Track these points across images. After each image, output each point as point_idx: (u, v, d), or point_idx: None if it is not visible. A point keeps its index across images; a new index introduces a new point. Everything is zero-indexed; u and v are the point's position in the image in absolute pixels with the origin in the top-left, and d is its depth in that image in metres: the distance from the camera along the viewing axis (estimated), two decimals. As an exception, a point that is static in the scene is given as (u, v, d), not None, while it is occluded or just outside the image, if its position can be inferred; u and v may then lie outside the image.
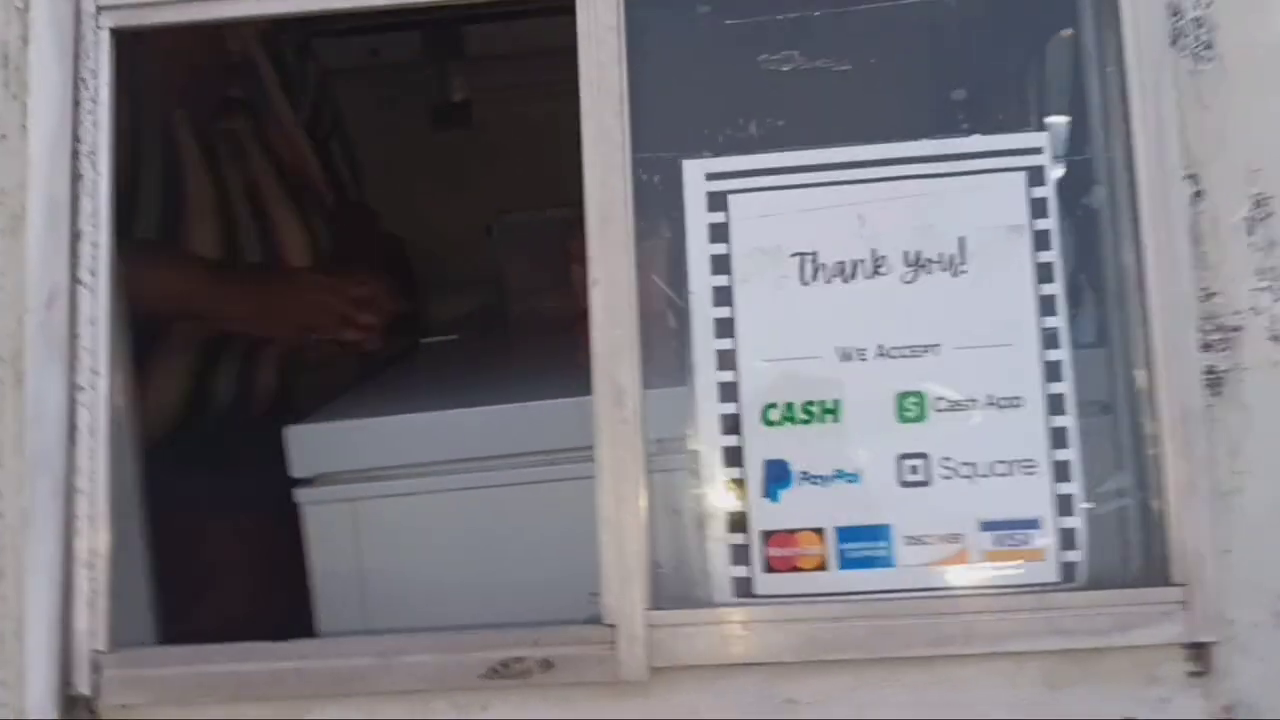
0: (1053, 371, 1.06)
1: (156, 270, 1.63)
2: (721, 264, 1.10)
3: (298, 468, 1.42)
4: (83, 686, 1.09)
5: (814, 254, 1.09)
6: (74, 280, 1.12)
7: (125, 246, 1.18)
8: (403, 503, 1.42)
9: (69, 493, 1.10)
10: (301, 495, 1.41)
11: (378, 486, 1.41)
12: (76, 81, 1.14)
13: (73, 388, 1.11)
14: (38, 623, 1.09)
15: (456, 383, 1.81)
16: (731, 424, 1.08)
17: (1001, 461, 1.06)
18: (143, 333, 1.30)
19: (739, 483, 1.08)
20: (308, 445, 1.43)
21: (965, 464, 1.06)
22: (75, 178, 1.13)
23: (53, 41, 1.14)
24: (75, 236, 1.12)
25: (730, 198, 1.10)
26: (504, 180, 2.74)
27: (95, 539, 1.10)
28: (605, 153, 1.10)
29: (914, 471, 1.06)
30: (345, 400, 1.72)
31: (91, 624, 1.09)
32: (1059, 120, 1.11)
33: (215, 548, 1.68)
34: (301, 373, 1.95)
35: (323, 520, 1.41)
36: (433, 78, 2.82)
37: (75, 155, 1.13)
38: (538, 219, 2.43)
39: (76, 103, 1.13)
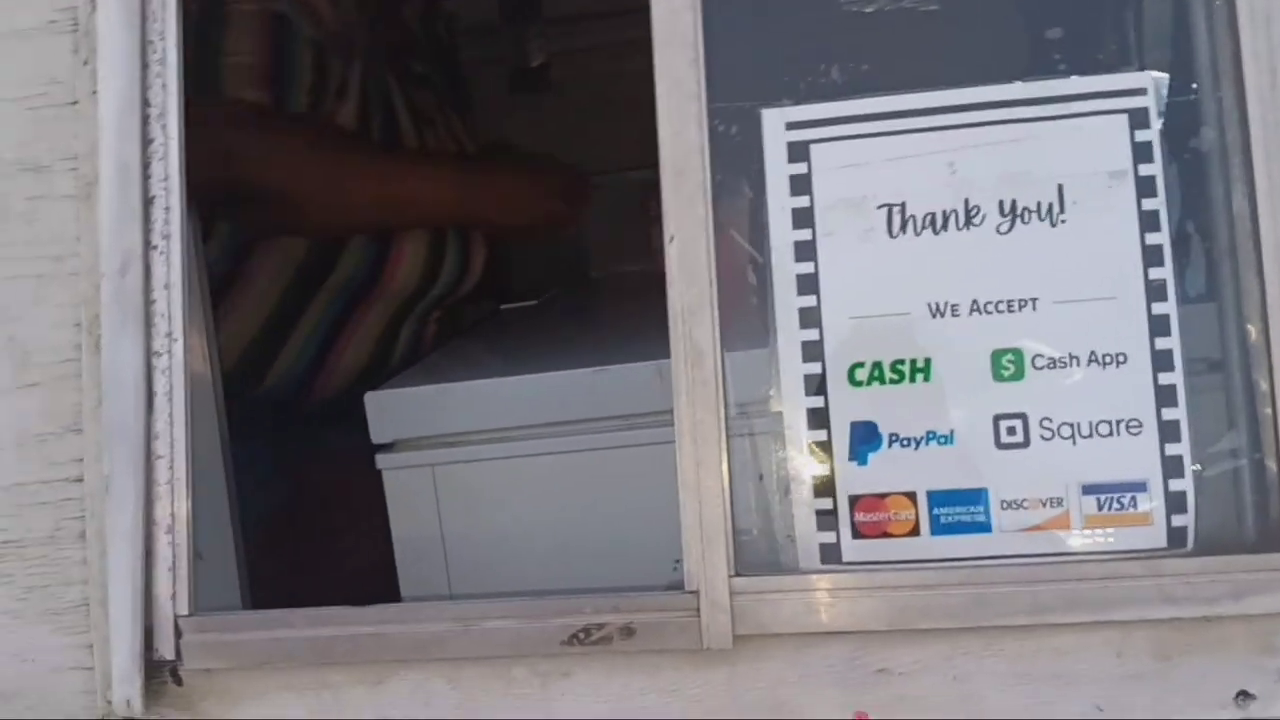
0: (1159, 326, 1.00)
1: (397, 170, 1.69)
2: (803, 217, 1.05)
3: (377, 433, 1.42)
4: (166, 651, 1.09)
5: (902, 205, 1.03)
6: (147, 245, 1.11)
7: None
8: (482, 468, 1.40)
9: (148, 459, 1.09)
10: (381, 460, 1.41)
11: (457, 452, 1.40)
12: (144, 44, 1.12)
13: (149, 353, 1.10)
14: (120, 589, 1.09)
15: (536, 347, 1.79)
16: (816, 385, 1.04)
17: (1105, 421, 1.00)
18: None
19: (824, 445, 1.04)
20: (387, 410, 1.42)
21: (1066, 424, 1.01)
22: (146, 142, 1.12)
23: (120, 4, 1.12)
24: (148, 201, 1.11)
25: (812, 148, 1.05)
26: (582, 143, 2.71)
27: (175, 505, 1.09)
28: (679, 103, 1.05)
29: (1011, 433, 1.01)
30: (425, 365, 1.71)
31: (173, 589, 1.09)
32: (1163, 58, 1.04)
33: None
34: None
35: (402, 485, 1.41)
36: (509, 42, 2.79)
37: (145, 119, 1.12)
38: (617, 181, 2.40)
39: (145, 65, 1.12)
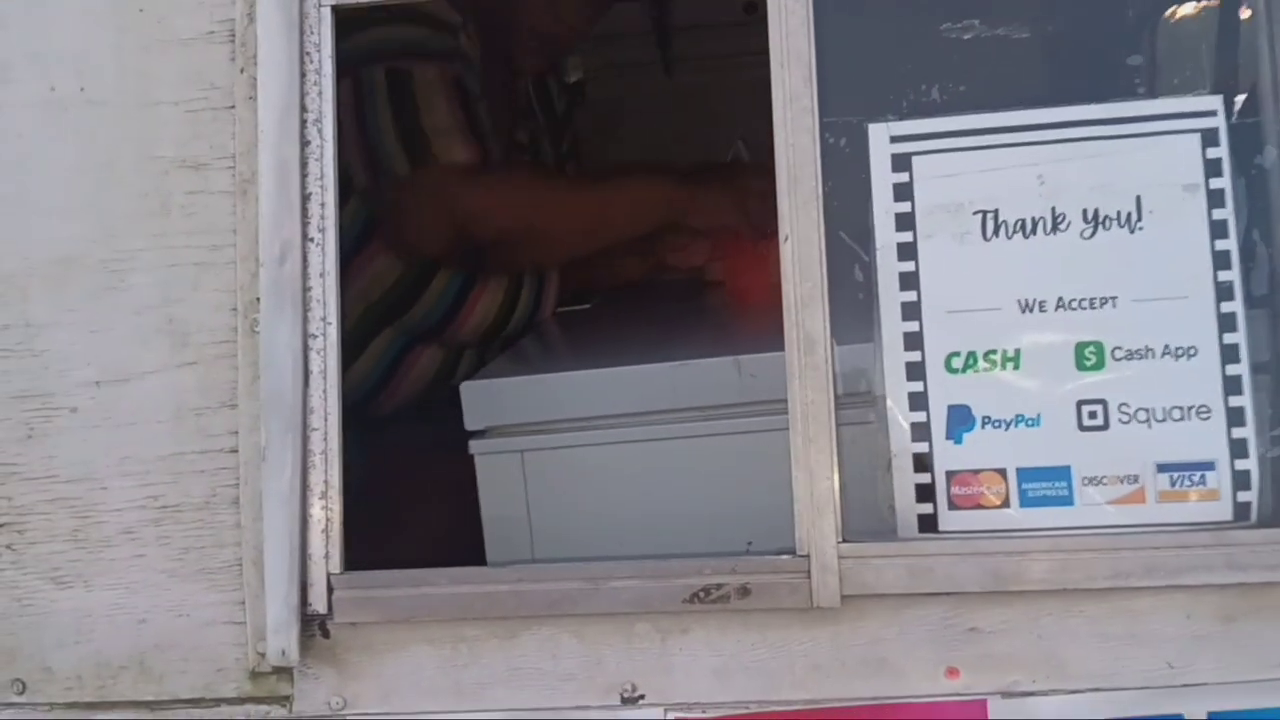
0: (1227, 323, 1.12)
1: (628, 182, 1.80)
2: (905, 221, 1.17)
3: (471, 420, 1.52)
4: (319, 605, 1.19)
5: (995, 211, 1.15)
6: (305, 237, 1.22)
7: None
8: (569, 454, 1.50)
9: (304, 430, 1.20)
10: (474, 446, 1.51)
11: (546, 439, 1.50)
12: (302, 55, 1.23)
13: (306, 335, 1.21)
14: (277, 548, 1.19)
15: (607, 345, 1.89)
16: (916, 371, 1.16)
17: (1177, 407, 1.12)
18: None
19: (923, 426, 1.15)
20: (480, 399, 1.52)
21: (1142, 409, 1.12)
22: (303, 143, 1.23)
23: (279, 18, 1.23)
24: (305, 197, 1.22)
25: (914, 159, 1.17)
26: (619, 155, 2.83)
27: (329, 472, 1.20)
28: (794, 116, 1.17)
29: (1093, 416, 1.13)
30: (514, 356, 1.81)
31: (326, 549, 1.20)
32: (1233, 83, 1.16)
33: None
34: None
35: (493, 470, 1.51)
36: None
37: (303, 123, 1.23)
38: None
39: (303, 74, 1.23)
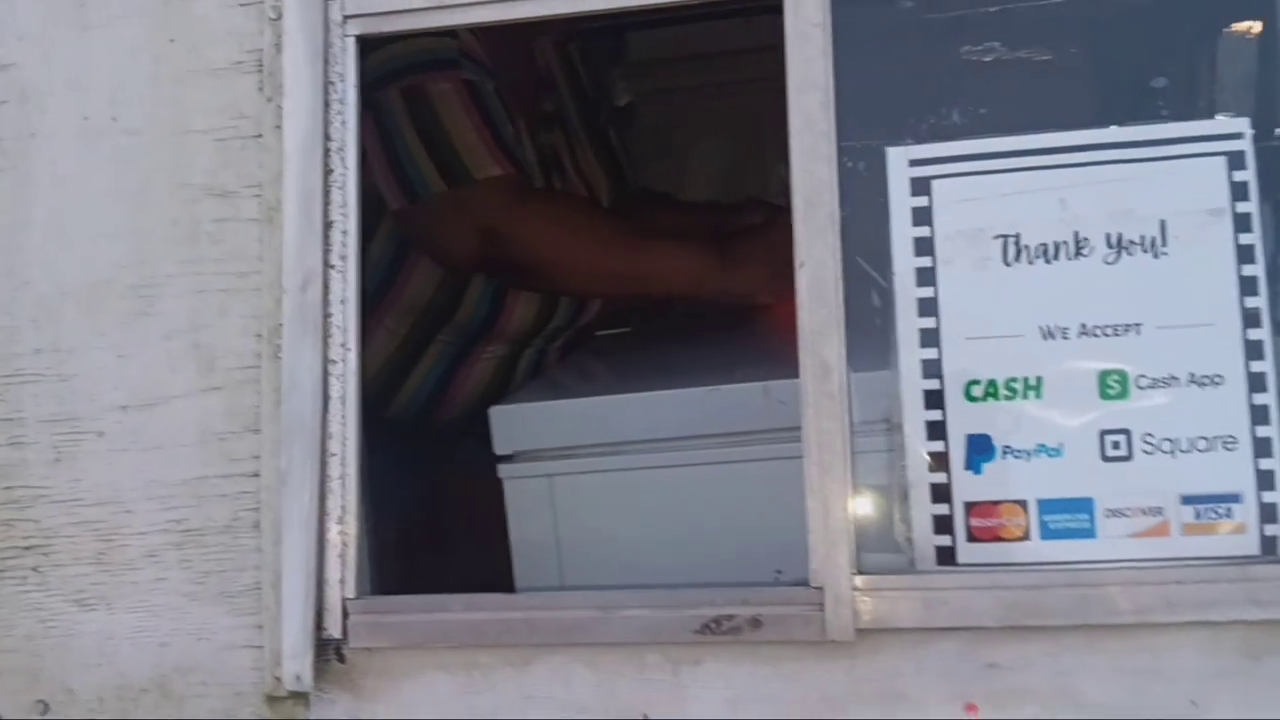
0: (1254, 350, 1.09)
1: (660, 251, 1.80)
2: (924, 246, 1.15)
3: (499, 444, 1.52)
4: (333, 630, 1.20)
5: (1016, 236, 1.13)
6: (326, 265, 1.23)
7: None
8: (596, 479, 1.50)
9: (323, 455, 1.21)
10: (503, 470, 1.51)
11: (574, 464, 1.50)
12: (326, 84, 1.25)
13: (326, 361, 1.22)
14: (294, 572, 1.20)
15: (643, 369, 1.89)
16: (934, 399, 1.14)
17: (1203, 437, 1.09)
18: None
19: (942, 456, 1.13)
20: (509, 424, 1.52)
21: (1167, 439, 1.09)
22: (327, 172, 1.24)
23: (304, 48, 1.25)
24: (327, 225, 1.24)
25: (933, 183, 1.15)
26: (668, 177, 2.84)
27: (346, 497, 1.21)
28: (810, 141, 1.16)
29: (1116, 447, 1.10)
30: (544, 381, 1.82)
31: (342, 574, 1.20)
32: (1260, 105, 1.13)
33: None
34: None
35: (521, 494, 1.50)
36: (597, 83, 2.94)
37: (326, 152, 1.24)
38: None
39: (327, 104, 1.25)
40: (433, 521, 1.84)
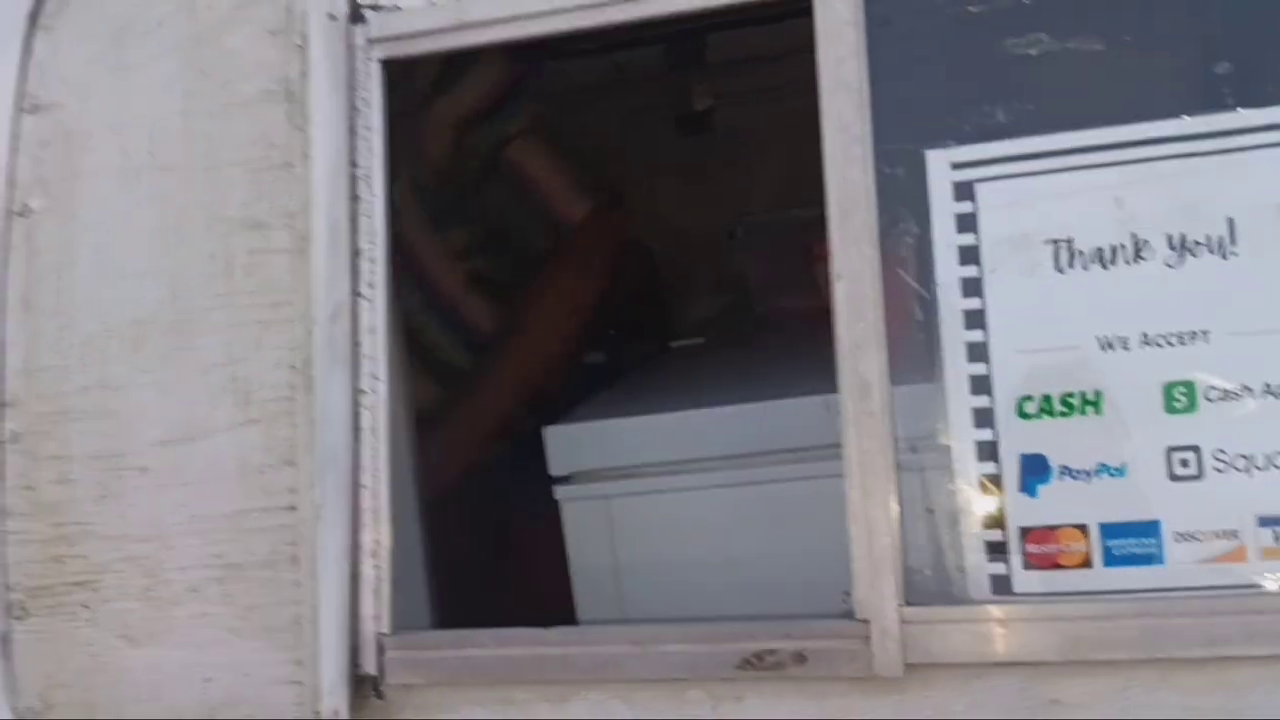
0: (1339, 356, 0.99)
1: None
2: (970, 254, 1.08)
3: (555, 466, 1.49)
4: (369, 667, 1.18)
5: (1069, 240, 1.05)
6: (355, 294, 1.22)
7: None
8: (656, 500, 1.46)
9: (354, 488, 1.19)
10: (560, 492, 1.48)
11: (632, 484, 1.46)
12: (351, 110, 1.24)
13: (356, 392, 1.20)
14: (330, 608, 1.18)
15: (705, 383, 1.84)
16: (984, 418, 1.06)
17: (1281, 453, 0.99)
18: None
19: (994, 478, 1.06)
20: (564, 444, 1.49)
21: (1241, 456, 1.00)
22: (353, 199, 1.23)
23: (329, 74, 1.24)
24: (355, 254, 1.22)
25: (977, 186, 1.08)
26: (746, 183, 2.77)
27: (379, 531, 1.19)
28: (844, 146, 1.10)
29: (1184, 465, 1.01)
30: (599, 401, 1.78)
31: (376, 609, 1.18)
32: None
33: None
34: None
35: (579, 516, 1.48)
36: (676, 87, 2.89)
37: (353, 179, 1.23)
38: (779, 219, 2.44)
39: (352, 130, 1.23)
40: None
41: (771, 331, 2.32)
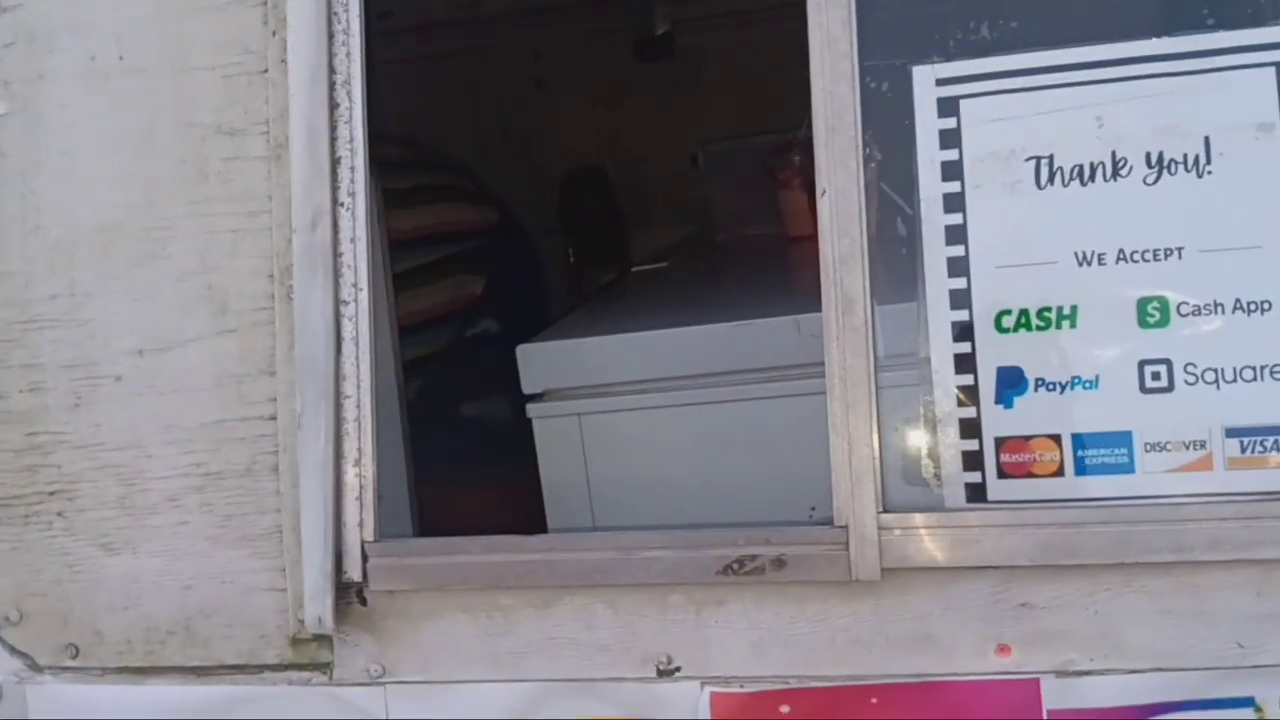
0: (1306, 273, 1.03)
1: None
2: (952, 170, 1.09)
3: (527, 384, 1.50)
4: (353, 573, 1.19)
5: (1050, 157, 1.07)
6: (335, 202, 1.20)
7: None
8: (626, 417, 1.48)
9: (337, 398, 1.19)
10: (532, 410, 1.49)
11: (602, 402, 1.47)
12: (330, 15, 1.21)
13: (337, 302, 1.19)
14: (312, 516, 1.19)
15: (672, 304, 1.85)
16: (963, 331, 1.09)
17: (1249, 367, 1.03)
18: None
19: (971, 390, 1.08)
20: (536, 363, 1.50)
21: (1210, 370, 1.04)
22: (332, 106, 1.21)
23: (307, -24, 1.21)
24: (335, 162, 1.20)
25: (962, 102, 1.09)
26: (707, 110, 2.76)
27: (362, 440, 1.19)
28: (832, 61, 1.10)
29: (1156, 378, 1.05)
30: (570, 320, 1.79)
31: (360, 517, 1.19)
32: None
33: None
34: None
35: (551, 433, 1.49)
36: (634, 11, 2.85)
37: (332, 85, 1.21)
38: (742, 146, 2.44)
39: (330, 35, 1.21)
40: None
41: (735, 257, 2.33)
